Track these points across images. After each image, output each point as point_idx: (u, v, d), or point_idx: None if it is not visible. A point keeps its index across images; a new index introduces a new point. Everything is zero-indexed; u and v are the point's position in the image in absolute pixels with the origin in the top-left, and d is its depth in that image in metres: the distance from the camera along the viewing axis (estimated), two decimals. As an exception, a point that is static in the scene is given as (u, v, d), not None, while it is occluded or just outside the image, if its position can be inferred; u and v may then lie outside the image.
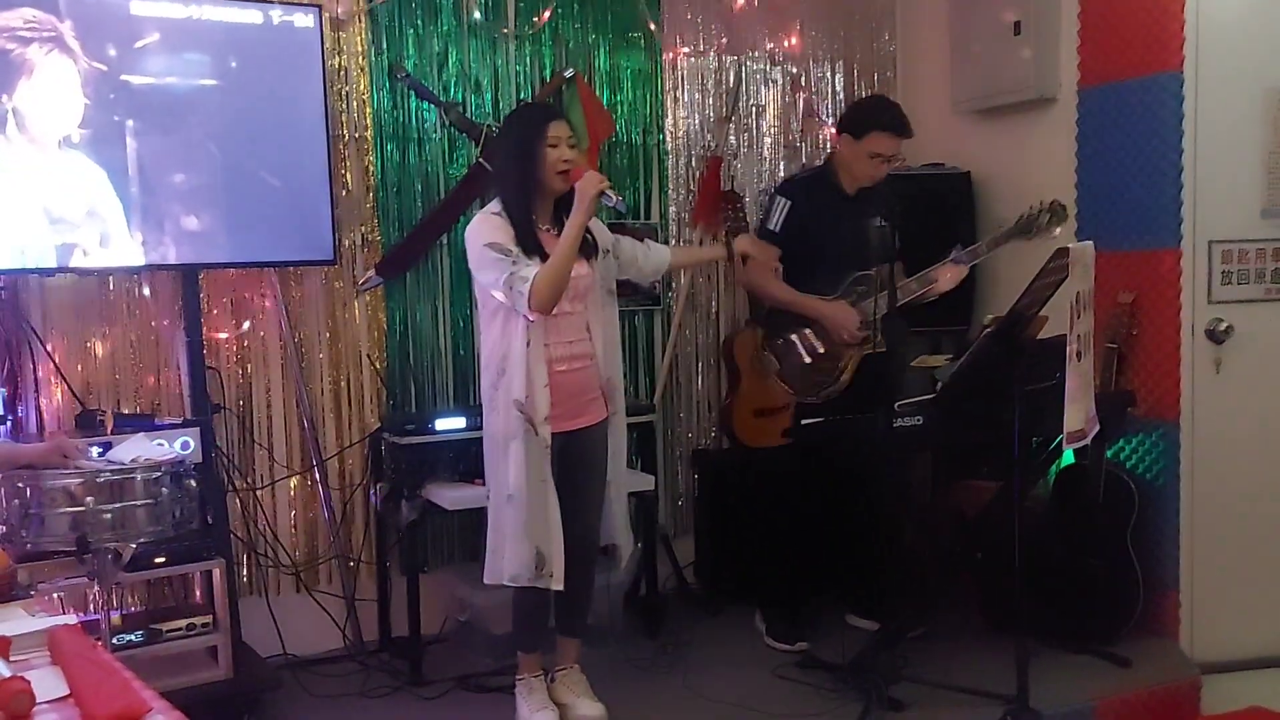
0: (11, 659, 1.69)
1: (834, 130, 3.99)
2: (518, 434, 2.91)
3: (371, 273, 3.81)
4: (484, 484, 3.53)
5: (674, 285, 4.41)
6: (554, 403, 2.93)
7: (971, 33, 4.30)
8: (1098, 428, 2.95)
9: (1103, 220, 3.74)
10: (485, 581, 3.06)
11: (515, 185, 2.97)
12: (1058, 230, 3.42)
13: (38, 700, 1.56)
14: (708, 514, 4.34)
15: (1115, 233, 3.72)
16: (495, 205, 2.99)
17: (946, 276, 3.48)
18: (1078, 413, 2.76)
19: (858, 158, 3.57)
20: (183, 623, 3.20)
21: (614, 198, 2.94)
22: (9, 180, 3.03)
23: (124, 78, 3.17)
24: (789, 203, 3.64)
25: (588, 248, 3.03)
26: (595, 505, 3.10)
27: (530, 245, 2.90)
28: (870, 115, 3.62)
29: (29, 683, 1.56)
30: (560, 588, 2.95)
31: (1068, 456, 3.63)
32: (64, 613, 2.80)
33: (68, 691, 1.62)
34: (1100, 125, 3.83)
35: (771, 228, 3.66)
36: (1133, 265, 3.70)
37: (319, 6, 3.53)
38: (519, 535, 2.93)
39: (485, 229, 2.92)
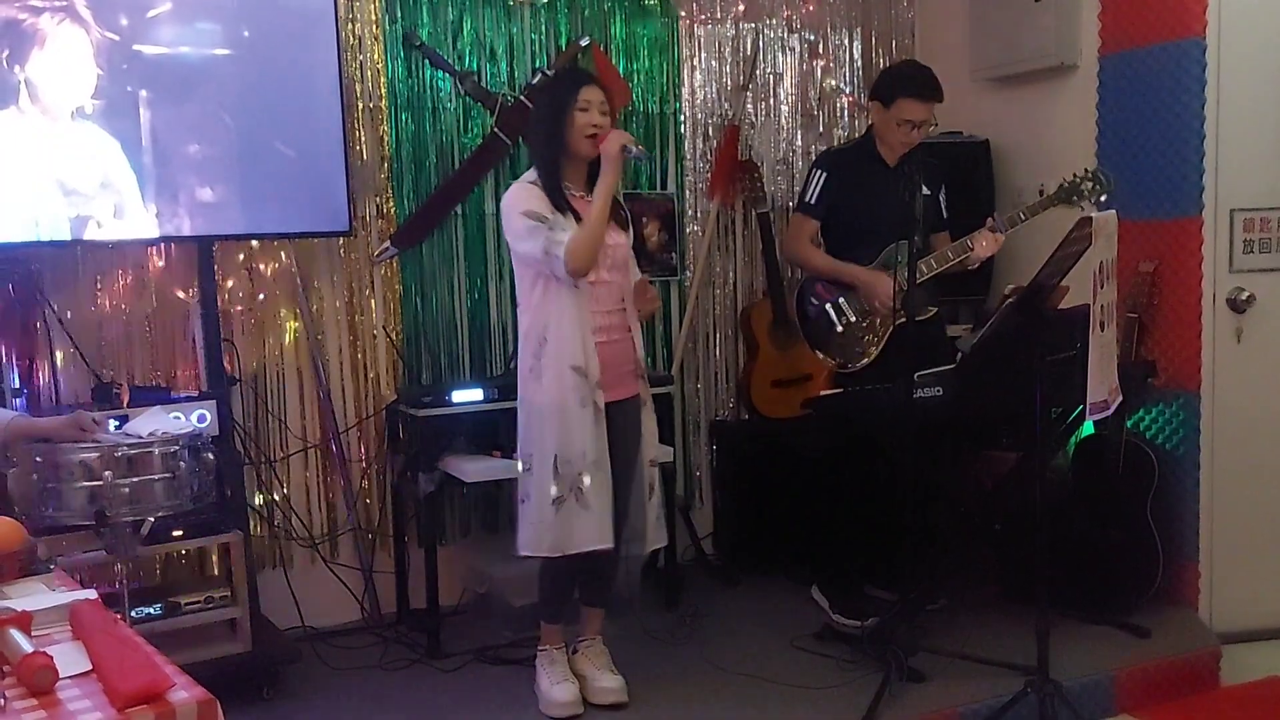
0: (33, 634, 1.68)
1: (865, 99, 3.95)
2: (586, 400, 2.90)
3: (387, 244, 3.79)
4: (503, 455, 3.56)
5: (690, 255, 4.37)
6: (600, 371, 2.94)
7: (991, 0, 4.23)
8: (1120, 399, 2.91)
9: (1123, 189, 3.67)
10: (520, 553, 3.02)
11: (544, 149, 2.97)
12: (1103, 198, 3.37)
13: (60, 676, 1.55)
14: (726, 485, 4.33)
15: (1136, 201, 3.67)
16: (530, 174, 2.99)
17: (983, 245, 3.43)
18: (1100, 384, 2.73)
19: (888, 125, 3.53)
20: (201, 596, 3.21)
21: (635, 150, 2.93)
22: (22, 152, 3.01)
23: (136, 47, 3.14)
24: (825, 174, 3.60)
25: (621, 219, 3.04)
26: (627, 479, 3.07)
27: (564, 208, 2.91)
28: (898, 81, 3.57)
29: (51, 658, 1.56)
30: (611, 544, 2.97)
31: (1088, 427, 3.60)
32: (83, 587, 2.81)
33: (90, 667, 1.62)
34: (1121, 93, 3.77)
35: (809, 200, 3.63)
36: (1153, 234, 3.66)
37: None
38: (604, 503, 2.94)
39: (521, 197, 2.92)
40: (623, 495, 3.05)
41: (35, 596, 1.91)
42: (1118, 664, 3.28)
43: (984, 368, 3.08)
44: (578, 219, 2.90)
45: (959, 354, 3.23)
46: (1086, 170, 3.43)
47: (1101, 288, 2.70)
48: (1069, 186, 3.42)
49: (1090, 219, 2.67)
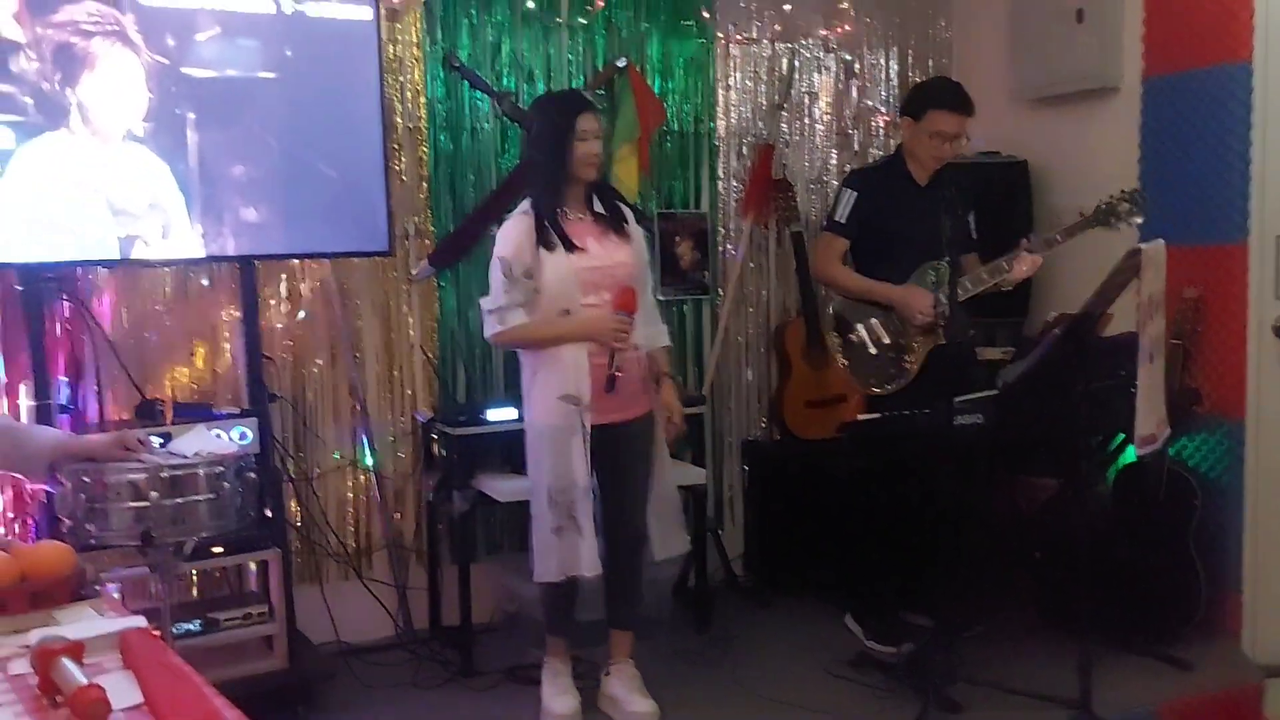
0: (84, 663, 1.70)
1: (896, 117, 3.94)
2: (576, 428, 2.91)
3: (424, 263, 3.81)
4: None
5: (723, 274, 4.37)
6: (593, 397, 2.94)
7: (1032, 19, 4.21)
8: (1168, 432, 2.88)
9: (1167, 214, 3.64)
10: (536, 580, 3.05)
11: (543, 178, 3.00)
12: (1139, 219, 3.34)
13: (113, 709, 1.56)
14: (757, 506, 4.32)
15: (1180, 227, 3.62)
16: (525, 204, 3.03)
17: (1022, 267, 3.41)
18: (1149, 417, 2.70)
19: (919, 140, 3.52)
20: (239, 612, 3.23)
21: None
22: (73, 173, 3.05)
23: (185, 70, 3.17)
24: (855, 194, 3.59)
25: (623, 233, 3.05)
26: (640, 498, 3.10)
27: (551, 240, 2.95)
28: (928, 94, 3.57)
29: (104, 691, 1.57)
30: (598, 571, 2.98)
31: (1129, 454, 3.56)
32: (122, 602, 2.83)
33: (142, 699, 1.63)
34: (1165, 116, 3.74)
35: (838, 219, 3.61)
36: (1198, 260, 3.62)
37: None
38: (582, 526, 2.95)
39: (505, 235, 3.00)
40: (639, 511, 3.08)
41: (85, 623, 1.92)
42: (1159, 697, 3.24)
43: (1026, 395, 3.05)
44: (568, 247, 2.95)
45: (999, 380, 3.20)
46: (1123, 191, 3.39)
47: (1150, 319, 2.68)
48: (1106, 208, 3.39)
49: (1140, 250, 2.65)
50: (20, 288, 3.18)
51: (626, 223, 3.10)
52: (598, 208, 3.07)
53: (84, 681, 1.59)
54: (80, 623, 1.93)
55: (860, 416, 3.43)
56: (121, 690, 1.65)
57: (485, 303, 3.04)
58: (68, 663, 1.65)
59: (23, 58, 3.00)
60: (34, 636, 1.77)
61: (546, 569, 3.01)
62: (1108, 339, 3.15)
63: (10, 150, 2.99)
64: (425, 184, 3.84)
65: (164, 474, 2.60)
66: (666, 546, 3.17)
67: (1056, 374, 2.93)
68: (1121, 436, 3.48)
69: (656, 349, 3.18)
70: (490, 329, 3.01)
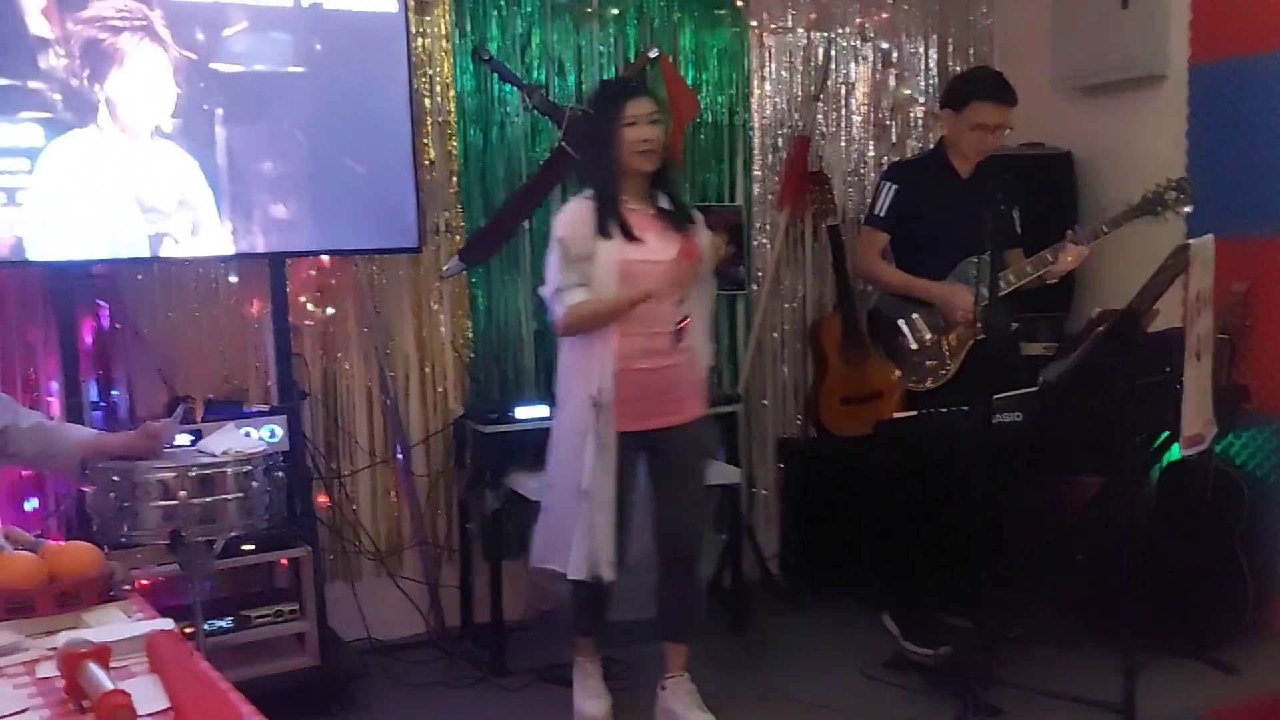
0: (111, 666, 1.68)
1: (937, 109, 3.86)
2: (591, 428, 2.85)
3: (455, 260, 3.77)
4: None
5: (759, 268, 4.31)
6: (629, 399, 2.86)
7: (1076, 6, 4.11)
8: (1215, 430, 2.80)
9: (1214, 205, 3.53)
10: (532, 565, 3.06)
11: (597, 169, 2.94)
12: (1187, 208, 3.25)
13: (138, 715, 1.54)
14: (793, 504, 4.26)
15: (1228, 218, 3.53)
16: (588, 190, 2.96)
17: (1066, 259, 3.33)
18: (1196, 417, 2.62)
19: (961, 132, 3.44)
20: (270, 609, 3.23)
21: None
22: (103, 170, 3.04)
23: (213, 66, 3.16)
24: (895, 187, 3.52)
25: (685, 231, 2.94)
26: (690, 507, 3.02)
27: (610, 229, 2.86)
28: (970, 85, 3.49)
29: (130, 697, 1.55)
30: (613, 577, 2.90)
31: (1174, 452, 3.47)
32: (154, 599, 2.82)
33: (168, 704, 1.61)
34: (1213, 104, 3.64)
35: (878, 213, 3.54)
36: (1246, 253, 3.52)
37: (405, -9, 3.48)
38: (597, 529, 2.88)
39: (564, 218, 2.92)
40: (683, 524, 3.00)
41: (113, 625, 1.91)
42: (1204, 702, 3.15)
43: (1068, 393, 2.98)
44: (628, 236, 2.87)
45: (1041, 378, 3.12)
46: (1170, 179, 3.30)
47: (1197, 316, 2.59)
48: (1152, 197, 3.30)
49: (1188, 245, 2.57)
50: (51, 286, 3.18)
51: (693, 223, 2.99)
52: (662, 203, 2.97)
53: (110, 686, 1.57)
54: (108, 625, 1.91)
55: (897, 415, 3.37)
56: (148, 695, 1.63)
57: (544, 290, 2.94)
58: (94, 667, 1.63)
59: (52, 54, 3.00)
60: (61, 639, 1.76)
61: (536, 553, 3.00)
62: (1153, 335, 3.06)
63: (40, 148, 2.99)
64: (455, 178, 3.81)
65: (193, 473, 2.58)
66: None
67: (1100, 372, 2.84)
68: (1166, 434, 3.39)
69: None
70: (556, 314, 2.89)
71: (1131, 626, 2.91)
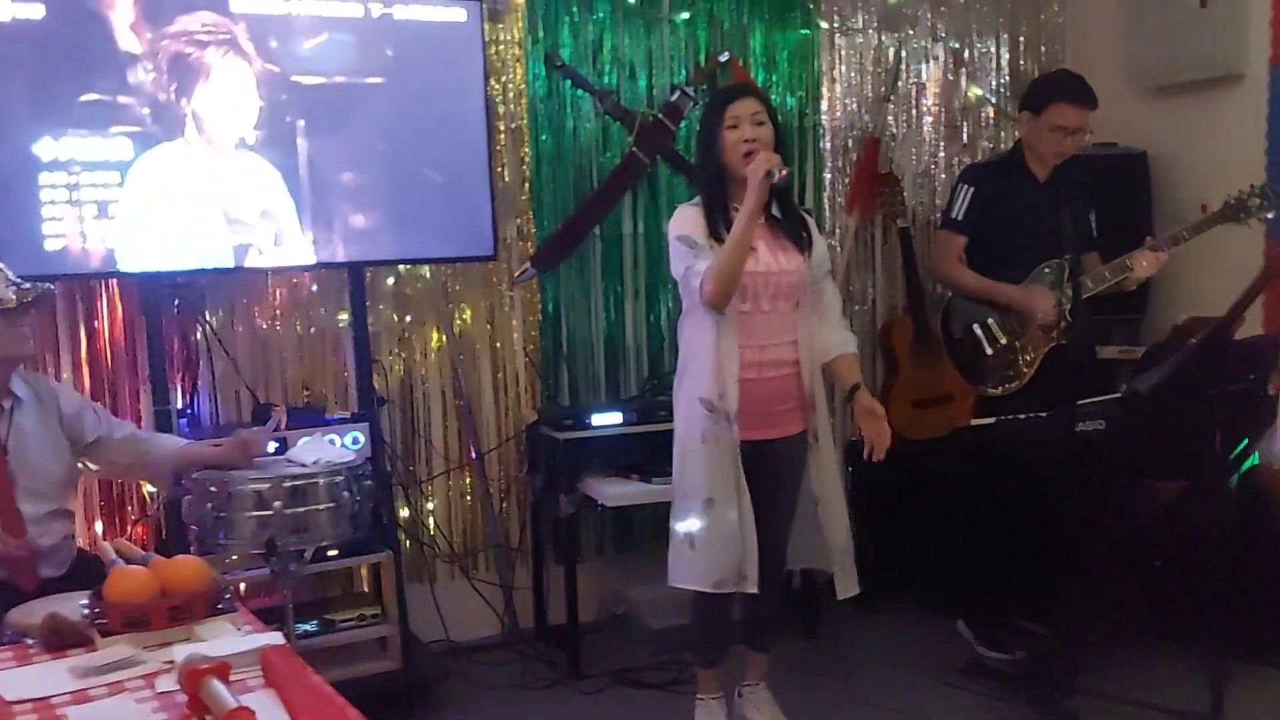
0: (229, 681, 1.72)
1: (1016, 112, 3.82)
2: (709, 435, 2.77)
3: (527, 265, 3.80)
4: (641, 478, 3.56)
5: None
6: (743, 410, 2.77)
7: (1151, 5, 4.04)
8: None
9: (1297, 208, 3.49)
10: (671, 584, 2.91)
11: (703, 175, 2.88)
12: (1270, 214, 3.21)
13: (262, 730, 1.58)
14: (861, 508, 4.22)
15: (1311, 221, 3.47)
16: (698, 197, 2.90)
17: (1143, 265, 3.29)
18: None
19: (1040, 134, 3.40)
20: (354, 613, 3.29)
21: (777, 174, 2.67)
22: (189, 183, 3.10)
23: (295, 78, 3.21)
24: (972, 189, 3.49)
25: (801, 241, 2.86)
26: (784, 520, 2.96)
27: (721, 235, 2.76)
28: (1049, 87, 3.46)
29: (254, 714, 1.59)
30: (756, 589, 2.82)
31: (1255, 458, 3.42)
32: (244, 602, 2.88)
33: (287, 719, 1.65)
34: (1295, 104, 3.57)
35: (956, 216, 3.52)
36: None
37: (481, 1, 3.50)
38: (722, 540, 2.79)
39: (677, 221, 2.83)
40: (775, 536, 2.92)
41: (225, 639, 1.95)
42: (1293, 713, 3.11)
43: (1157, 404, 2.95)
44: None
45: (1127, 386, 3.09)
46: (1254, 186, 3.26)
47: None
48: (1235, 203, 3.26)
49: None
50: (140, 296, 3.25)
51: (807, 231, 2.90)
52: (774, 211, 2.85)
53: (235, 704, 1.61)
54: (220, 639, 1.96)
55: (974, 421, 3.34)
56: (267, 710, 1.67)
57: (675, 271, 2.81)
58: (216, 683, 1.67)
59: (140, 69, 3.06)
60: (179, 654, 1.81)
61: (686, 576, 2.86)
62: (1239, 342, 3.02)
63: (129, 161, 3.06)
64: (527, 185, 3.83)
65: (286, 484, 2.64)
66: (844, 588, 3.01)
67: (1189, 380, 2.81)
68: (1246, 442, 3.34)
69: (845, 354, 2.96)
70: (694, 287, 2.71)
71: (1219, 633, 2.87)
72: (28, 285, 2.53)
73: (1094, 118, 3.49)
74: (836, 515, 2.97)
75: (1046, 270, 3.41)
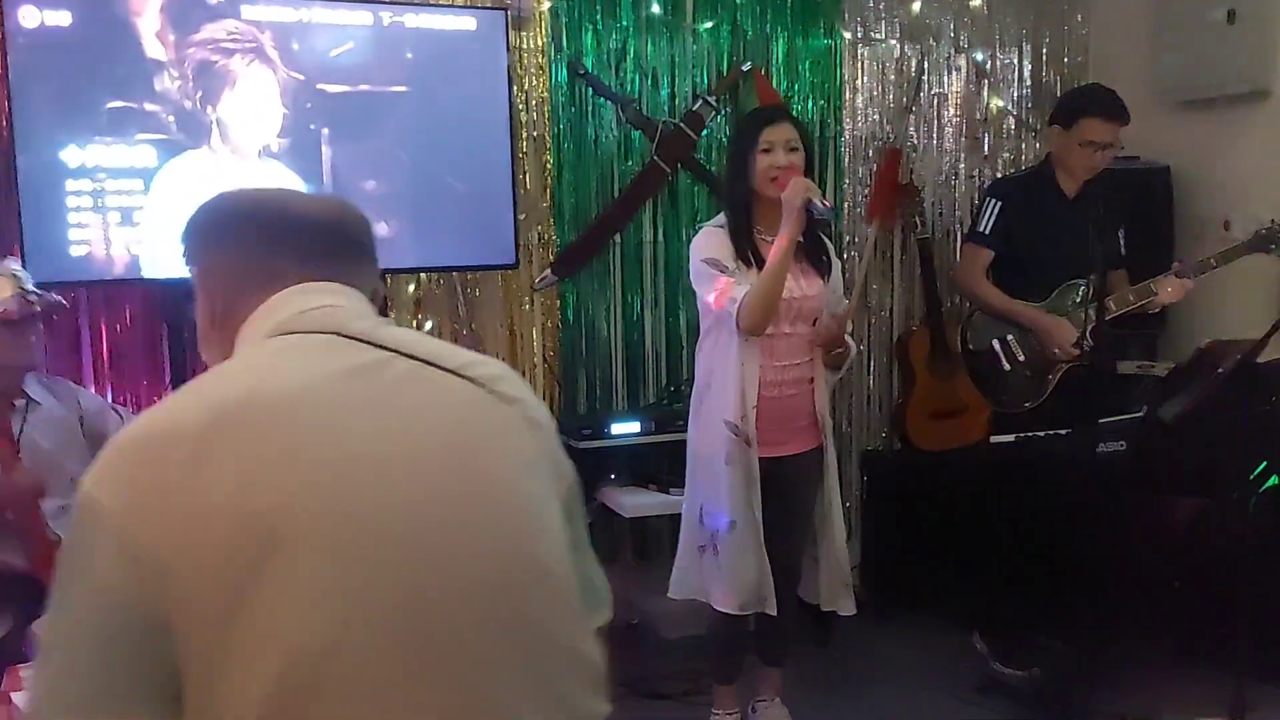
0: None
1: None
2: (733, 457, 2.79)
3: (548, 272, 3.80)
4: (659, 489, 3.57)
5: (847, 279, 4.27)
6: (759, 428, 2.80)
7: (1177, 19, 4.01)
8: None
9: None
10: (671, 595, 2.99)
11: (730, 196, 2.88)
12: None
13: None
14: (876, 519, 4.24)
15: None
16: (720, 218, 2.89)
17: (1168, 291, 3.28)
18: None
19: (1070, 149, 3.39)
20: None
21: (821, 205, 2.67)
22: (213, 191, 3.08)
23: (320, 86, 3.21)
24: (1000, 203, 3.48)
25: (821, 266, 2.88)
26: (799, 534, 2.98)
27: (748, 258, 2.78)
28: (1080, 100, 3.46)
29: None
30: (775, 611, 2.85)
31: (1272, 480, 3.40)
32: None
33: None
34: (1323, 122, 3.55)
35: (982, 230, 3.51)
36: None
37: (505, 8, 3.50)
38: (745, 562, 2.81)
39: (703, 243, 2.83)
40: (790, 550, 2.95)
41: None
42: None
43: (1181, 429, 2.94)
44: (760, 267, 2.77)
45: (1145, 406, 3.08)
46: None
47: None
48: (1266, 234, 3.26)
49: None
50: (165, 302, 3.26)
51: (827, 255, 2.93)
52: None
53: None
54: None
55: (994, 438, 3.34)
56: None
57: (703, 293, 2.80)
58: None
59: (166, 76, 3.07)
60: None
61: (679, 584, 2.94)
62: (1262, 364, 3.00)
63: (154, 169, 3.07)
64: (548, 192, 3.83)
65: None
66: (836, 604, 3.02)
67: (1215, 409, 2.81)
68: (1264, 464, 3.33)
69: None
70: (730, 309, 2.71)
71: (1240, 654, 2.87)
72: (34, 296, 2.55)
73: (1121, 132, 3.48)
74: (836, 535, 3.02)
75: (1070, 290, 3.40)
